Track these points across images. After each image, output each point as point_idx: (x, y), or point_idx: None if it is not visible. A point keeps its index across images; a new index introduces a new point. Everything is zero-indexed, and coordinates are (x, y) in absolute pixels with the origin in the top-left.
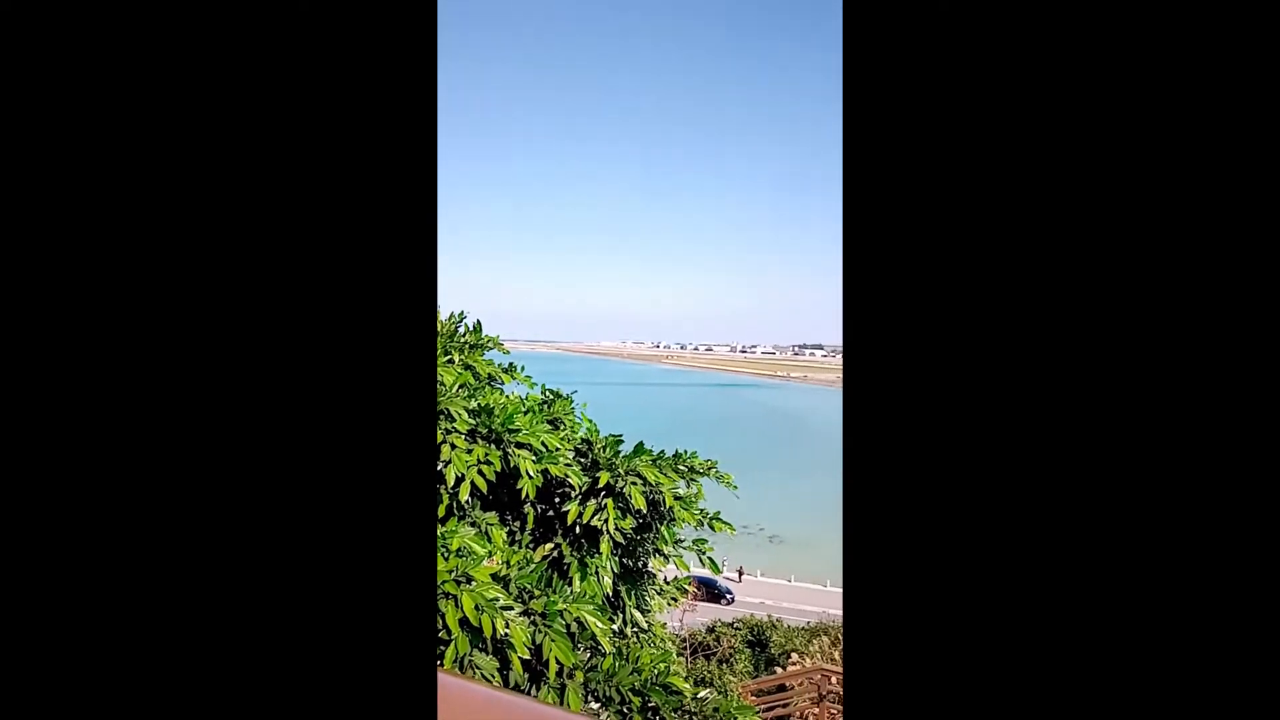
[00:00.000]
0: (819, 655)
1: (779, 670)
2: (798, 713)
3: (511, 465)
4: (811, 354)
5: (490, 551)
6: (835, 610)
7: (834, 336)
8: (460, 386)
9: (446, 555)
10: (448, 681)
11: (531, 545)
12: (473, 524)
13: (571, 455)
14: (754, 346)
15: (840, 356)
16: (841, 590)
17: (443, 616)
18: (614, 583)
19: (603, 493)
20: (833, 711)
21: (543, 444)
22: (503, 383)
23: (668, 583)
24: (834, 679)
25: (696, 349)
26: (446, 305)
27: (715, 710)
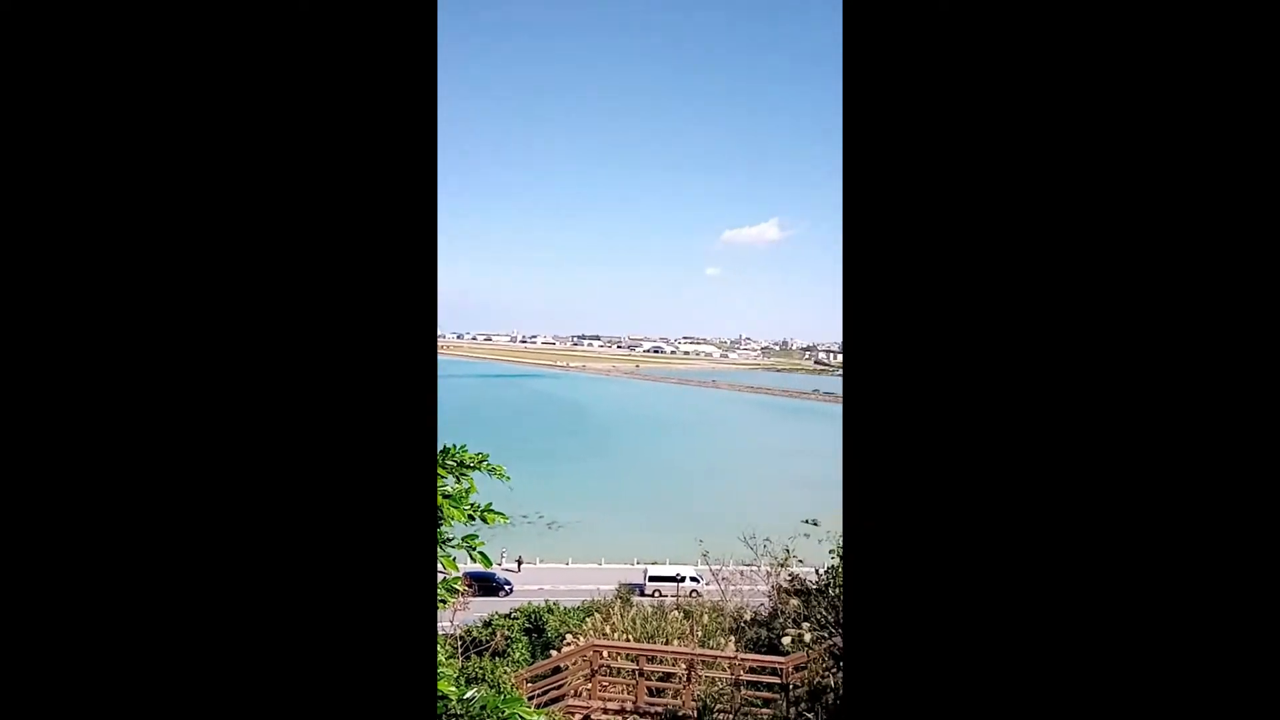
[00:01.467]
0: (592, 633)
1: (554, 653)
2: (572, 690)
3: None
4: (589, 344)
5: None
6: (608, 586)
7: (609, 328)
8: None
9: None
10: None
11: None
12: None
13: None
14: (534, 336)
15: (615, 348)
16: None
17: None
18: None
19: None
20: (603, 683)
21: None
22: None
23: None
24: (605, 653)
25: (475, 339)
26: None
27: (483, 708)
